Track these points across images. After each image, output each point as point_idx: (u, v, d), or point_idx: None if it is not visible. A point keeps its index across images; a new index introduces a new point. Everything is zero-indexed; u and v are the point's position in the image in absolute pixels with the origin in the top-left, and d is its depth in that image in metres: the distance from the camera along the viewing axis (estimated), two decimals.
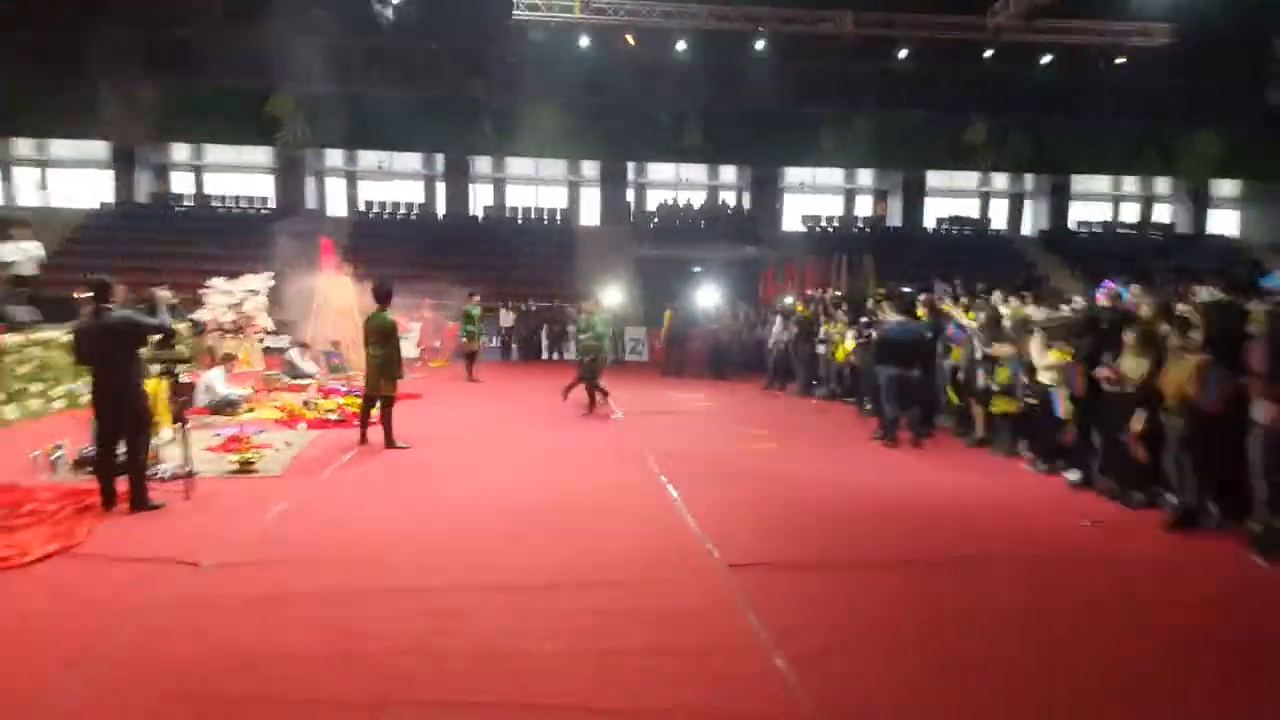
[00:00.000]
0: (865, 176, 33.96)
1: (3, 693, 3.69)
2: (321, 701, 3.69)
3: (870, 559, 5.90)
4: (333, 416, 11.04)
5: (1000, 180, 33.60)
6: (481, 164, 31.25)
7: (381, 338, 9.39)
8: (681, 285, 23.58)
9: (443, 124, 27.99)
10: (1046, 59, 28.44)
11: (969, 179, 33.28)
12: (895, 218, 33.14)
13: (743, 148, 29.90)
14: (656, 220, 30.55)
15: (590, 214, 32.01)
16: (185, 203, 29.42)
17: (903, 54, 27.47)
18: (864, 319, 12.47)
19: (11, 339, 10.75)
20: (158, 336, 7.06)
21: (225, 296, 16.25)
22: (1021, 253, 30.88)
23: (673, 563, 5.63)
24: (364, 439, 9.49)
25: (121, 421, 6.53)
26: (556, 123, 28.29)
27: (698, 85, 28.53)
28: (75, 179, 29.63)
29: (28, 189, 29.80)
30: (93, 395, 6.65)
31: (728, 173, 32.89)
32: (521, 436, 10.54)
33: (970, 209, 34.44)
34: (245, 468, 8.01)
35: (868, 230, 32.20)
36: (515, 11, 21.26)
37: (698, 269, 27.76)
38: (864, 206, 34.71)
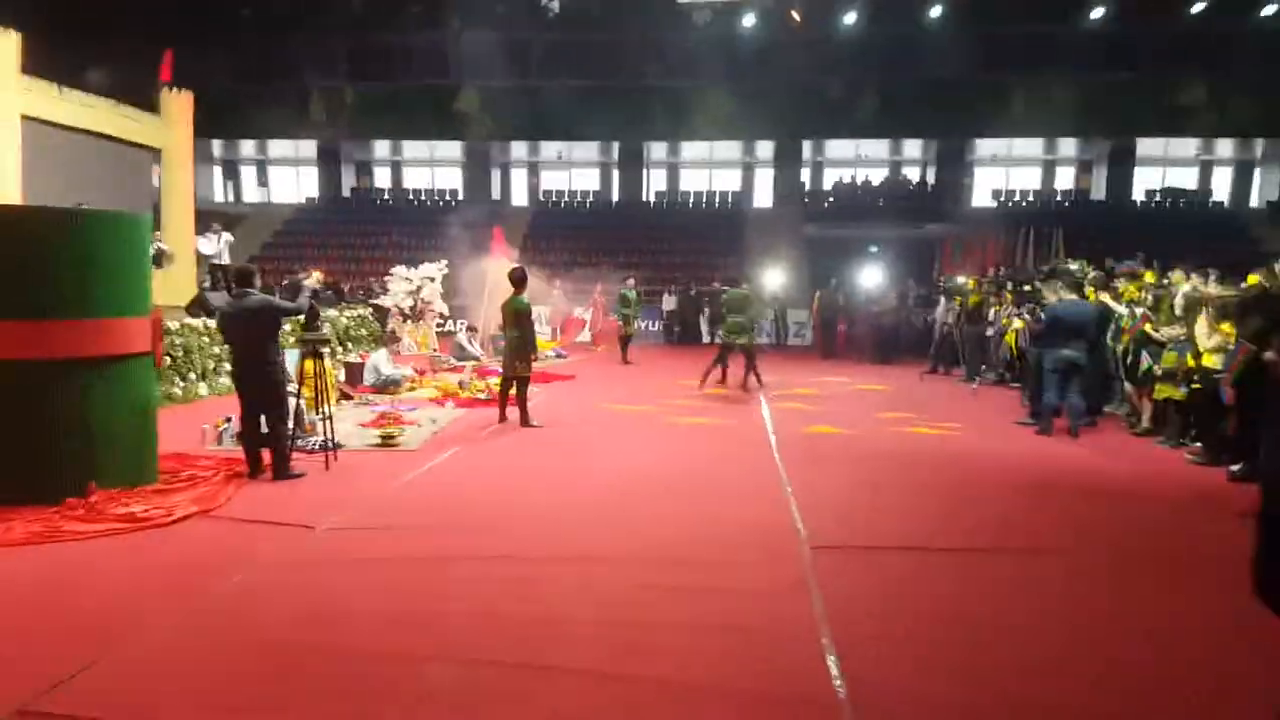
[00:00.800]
0: (1067, 146, 31.56)
1: (106, 628, 4.20)
2: (377, 654, 3.93)
3: (971, 545, 5.60)
4: (482, 396, 11.62)
5: (1224, 147, 30.23)
6: (656, 150, 31.64)
7: (517, 321, 9.78)
8: (854, 266, 22.96)
9: (617, 112, 28.55)
10: (1271, 8, 25.25)
11: (1186, 146, 30.18)
12: (1100, 190, 30.62)
13: (926, 120, 28.55)
14: (831, 199, 29.84)
15: (764, 196, 31.68)
16: (383, 196, 31.65)
17: (1098, 12, 25.23)
18: (1030, 300, 11.69)
19: (209, 323, 12.00)
20: (301, 318, 7.68)
21: (404, 283, 17.39)
22: (1247, 227, 27.70)
23: (755, 543, 5.56)
24: (503, 417, 9.93)
25: (259, 397, 7.12)
26: (727, 105, 28.17)
27: (872, 57, 27.49)
28: (289, 176, 32.63)
29: (249, 186, 33.13)
30: (233, 373, 7.32)
31: (911, 147, 31.56)
32: (656, 417, 10.67)
33: (1188, 179, 31.23)
34: (387, 442, 8.60)
35: (1067, 204, 29.96)
36: None
37: (874, 248, 26.91)
38: (1066, 179, 32.28)
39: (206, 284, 16.31)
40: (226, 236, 16.54)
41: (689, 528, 5.92)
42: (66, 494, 6.10)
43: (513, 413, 9.93)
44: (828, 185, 30.95)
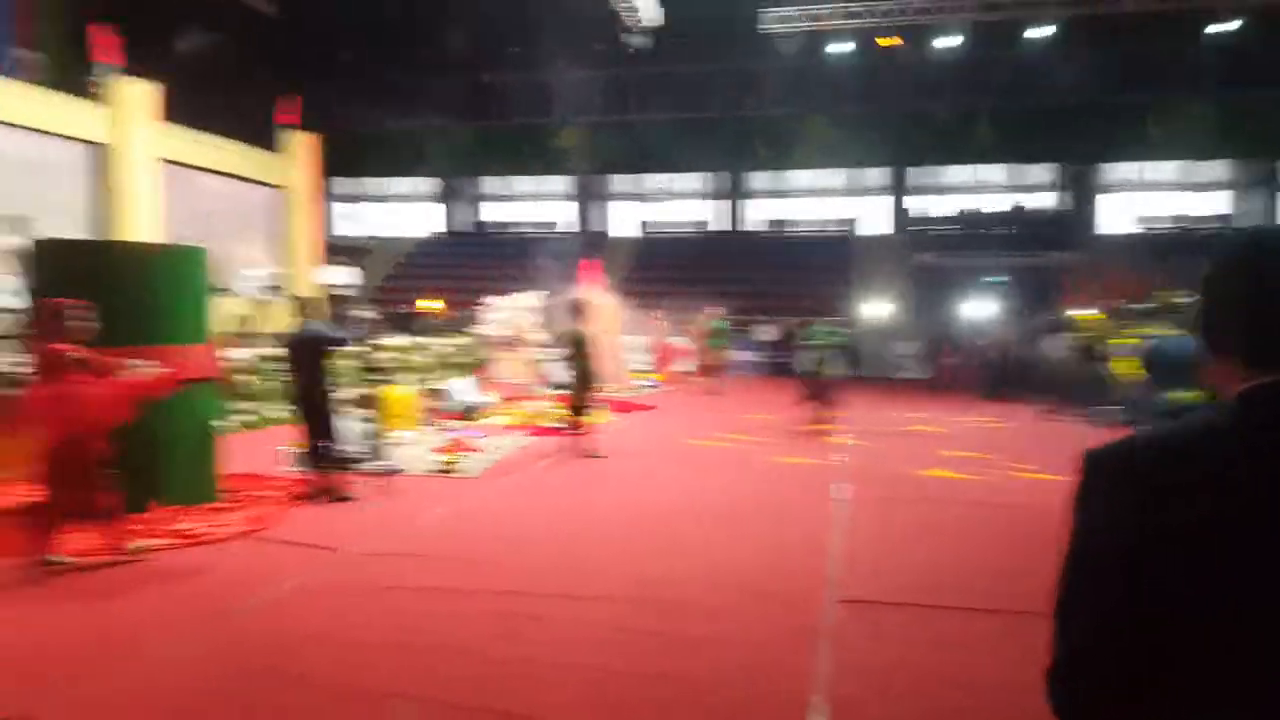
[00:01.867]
0: (1211, 170, 29.52)
1: (109, 641, 4.33)
2: (349, 689, 3.90)
3: (1026, 607, 5.09)
4: (557, 424, 11.64)
5: None
6: (761, 179, 31.43)
7: (577, 350, 9.78)
8: (967, 296, 22.07)
9: (717, 144, 28.57)
10: None
11: None
12: (1253, 216, 28.45)
13: (1049, 145, 27.34)
14: (944, 227, 28.85)
15: (873, 224, 30.94)
16: (495, 229, 32.59)
17: (1233, 25, 23.53)
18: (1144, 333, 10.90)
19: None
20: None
21: (500, 314, 17.79)
22: None
23: (777, 592, 5.27)
24: (569, 447, 9.92)
25: (310, 421, 7.34)
26: (830, 133, 27.74)
27: (984, 80, 26.54)
28: (412, 211, 34.06)
29: (375, 221, 34.76)
30: (290, 397, 7.56)
31: (1035, 173, 30.21)
32: (723, 451, 10.43)
33: None
34: (447, 468, 8.71)
35: (1213, 231, 27.95)
36: (760, 25, 21.10)
37: (990, 278, 25.80)
38: (1212, 204, 30.16)
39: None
40: (352, 270, 17.29)
41: (709, 568, 5.69)
42: (130, 509, 6.41)
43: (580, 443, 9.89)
44: (942, 212, 29.95)
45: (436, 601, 5.01)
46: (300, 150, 22.82)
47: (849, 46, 22.79)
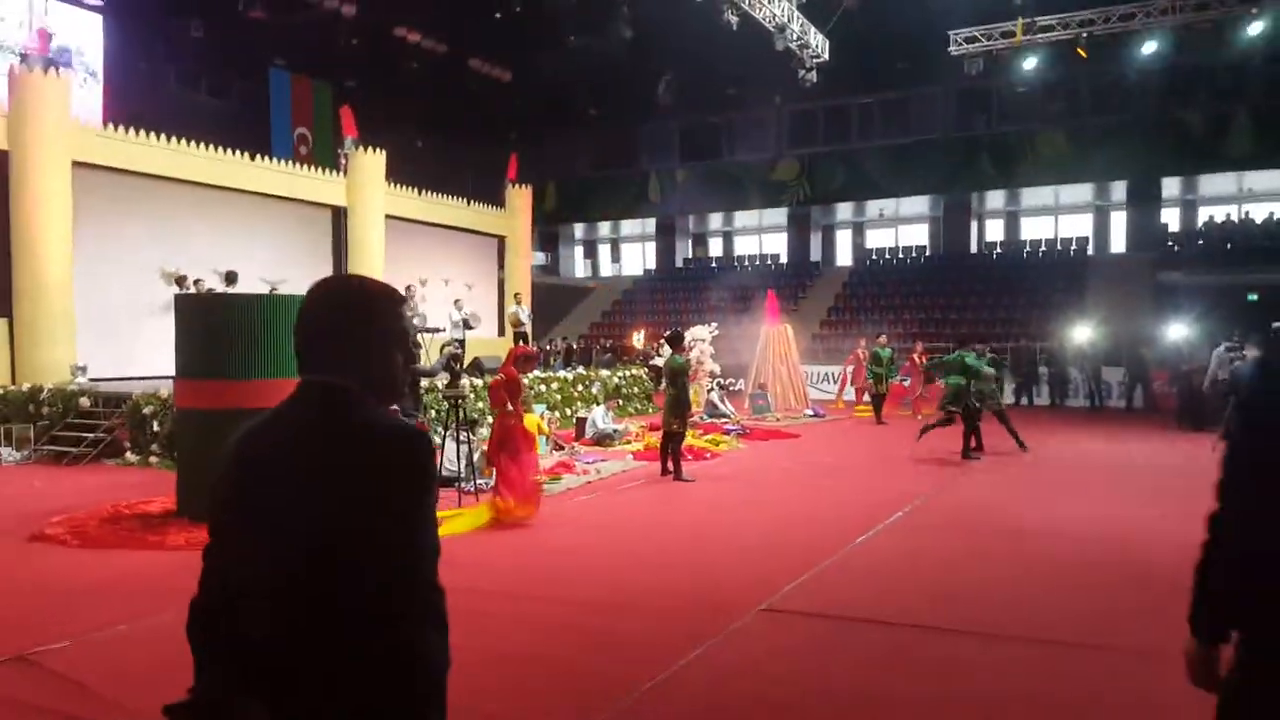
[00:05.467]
0: None
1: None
2: None
3: (991, 631, 5.05)
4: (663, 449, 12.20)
5: None
6: (993, 199, 29.96)
7: (673, 380, 10.33)
8: (1228, 317, 19.68)
9: (940, 166, 27.69)
10: None
11: None
12: None
13: None
14: (1201, 241, 25.90)
15: (1114, 241, 28.42)
16: (707, 263, 33.59)
17: None
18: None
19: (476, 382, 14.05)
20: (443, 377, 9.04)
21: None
22: None
23: (714, 601, 5.59)
24: (664, 471, 10.46)
25: None
26: (1062, 148, 25.96)
27: (1243, 80, 23.70)
28: (636, 251, 35.99)
29: (605, 261, 37.10)
30: None
31: None
32: (830, 480, 10.48)
33: None
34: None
35: None
36: (952, 47, 20.36)
37: (1254, 296, 22.90)
38: None
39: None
40: (525, 309, 19.01)
41: (685, 578, 6.10)
42: None
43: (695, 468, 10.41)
44: (1191, 226, 26.96)
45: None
46: (517, 203, 25.21)
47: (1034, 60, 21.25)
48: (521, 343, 19.35)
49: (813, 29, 18.63)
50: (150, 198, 16.34)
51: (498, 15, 23.49)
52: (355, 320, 1.73)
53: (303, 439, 1.66)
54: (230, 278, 15.16)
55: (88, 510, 7.95)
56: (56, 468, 10.70)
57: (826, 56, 19.12)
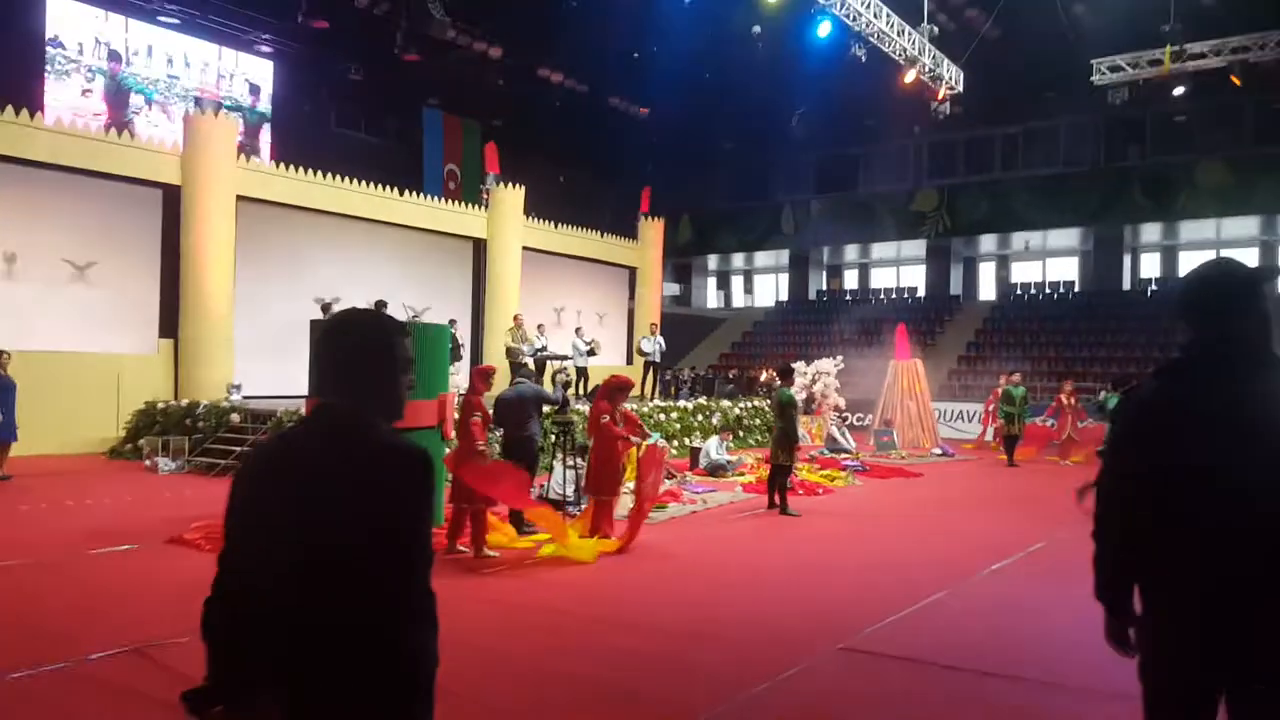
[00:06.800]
0: None
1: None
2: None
3: (1058, 681, 4.88)
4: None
5: None
6: (1148, 232, 28.26)
7: (781, 413, 10.27)
8: None
9: (1088, 197, 26.39)
10: None
11: None
12: None
13: None
14: None
15: None
16: (841, 295, 33.05)
17: None
18: None
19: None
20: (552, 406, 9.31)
21: (800, 378, 18.44)
22: None
23: (793, 635, 5.56)
24: (770, 503, 10.39)
25: (516, 460, 8.75)
26: (1223, 178, 24.24)
27: None
28: (769, 283, 35.85)
29: (738, 293, 37.11)
30: (504, 446, 9.07)
31: None
32: (941, 522, 10.16)
33: None
34: None
35: None
36: (1095, 76, 19.40)
37: None
38: None
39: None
40: (659, 340, 19.28)
41: (769, 611, 6.11)
42: None
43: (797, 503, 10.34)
44: None
45: (474, 617, 6.11)
46: (649, 235, 25.68)
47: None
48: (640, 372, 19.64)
49: (946, 60, 18.25)
50: (308, 230, 17.67)
51: (635, 55, 24.15)
52: (364, 350, 1.94)
53: (312, 455, 1.86)
54: (379, 306, 16.15)
55: None
56: (207, 478, 11.66)
57: (961, 88, 18.66)
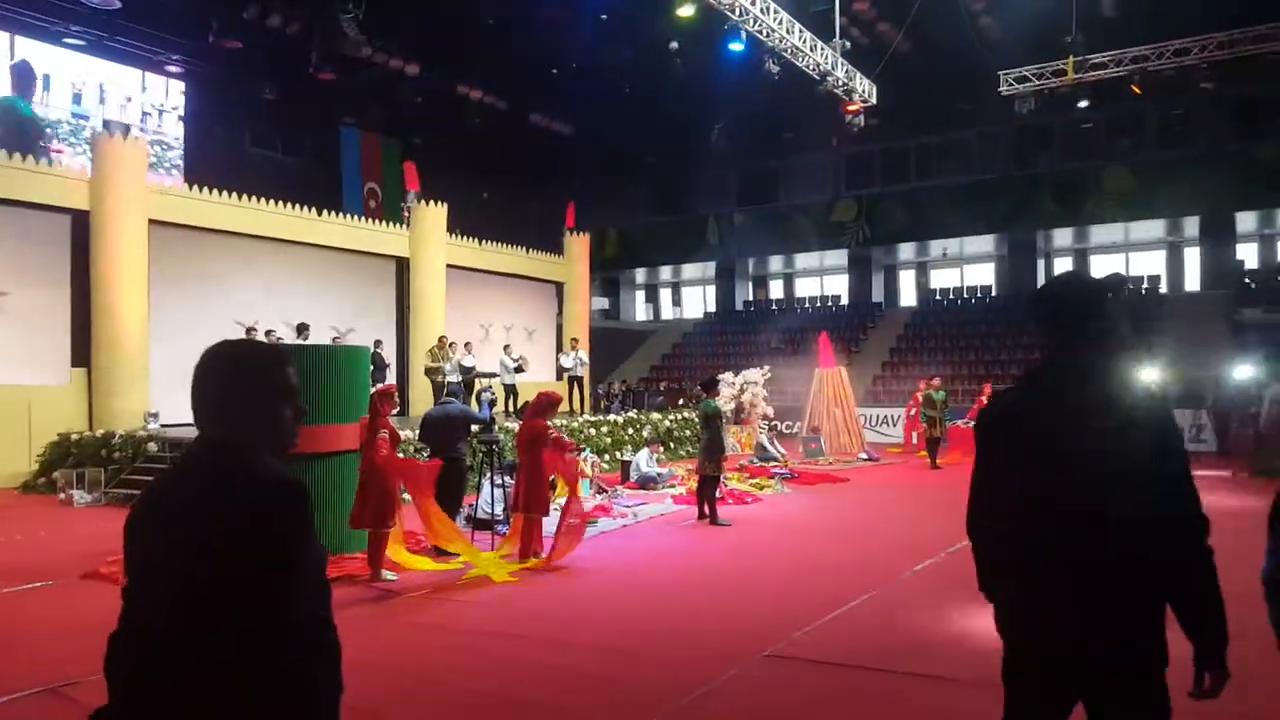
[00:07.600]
0: None
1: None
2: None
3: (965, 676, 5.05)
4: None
5: None
6: (1060, 237, 29.34)
7: (706, 423, 10.41)
8: None
9: (1001, 204, 27.34)
10: None
11: None
12: None
13: None
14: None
15: (1193, 278, 27.51)
16: (766, 306, 33.55)
17: None
18: None
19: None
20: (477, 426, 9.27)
21: (728, 389, 18.64)
22: None
23: (721, 648, 5.62)
24: (700, 514, 10.48)
25: (444, 482, 8.68)
26: (1128, 183, 25.36)
27: None
28: (696, 295, 36.22)
29: (666, 306, 37.39)
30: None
31: None
32: (865, 525, 10.39)
33: None
34: None
35: None
36: (1003, 87, 20.21)
37: None
38: None
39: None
40: (579, 354, 19.32)
41: (697, 624, 6.16)
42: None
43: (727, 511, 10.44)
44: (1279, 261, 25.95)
45: (436, 636, 6.05)
46: (575, 250, 25.72)
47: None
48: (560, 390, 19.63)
49: (858, 75, 18.71)
50: (225, 253, 17.23)
51: (554, 70, 24.20)
52: (239, 380, 1.92)
53: (183, 490, 1.85)
54: (301, 329, 15.83)
55: None
56: (124, 510, 11.17)
57: (874, 101, 19.17)
